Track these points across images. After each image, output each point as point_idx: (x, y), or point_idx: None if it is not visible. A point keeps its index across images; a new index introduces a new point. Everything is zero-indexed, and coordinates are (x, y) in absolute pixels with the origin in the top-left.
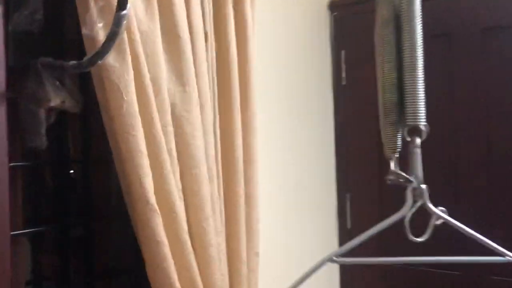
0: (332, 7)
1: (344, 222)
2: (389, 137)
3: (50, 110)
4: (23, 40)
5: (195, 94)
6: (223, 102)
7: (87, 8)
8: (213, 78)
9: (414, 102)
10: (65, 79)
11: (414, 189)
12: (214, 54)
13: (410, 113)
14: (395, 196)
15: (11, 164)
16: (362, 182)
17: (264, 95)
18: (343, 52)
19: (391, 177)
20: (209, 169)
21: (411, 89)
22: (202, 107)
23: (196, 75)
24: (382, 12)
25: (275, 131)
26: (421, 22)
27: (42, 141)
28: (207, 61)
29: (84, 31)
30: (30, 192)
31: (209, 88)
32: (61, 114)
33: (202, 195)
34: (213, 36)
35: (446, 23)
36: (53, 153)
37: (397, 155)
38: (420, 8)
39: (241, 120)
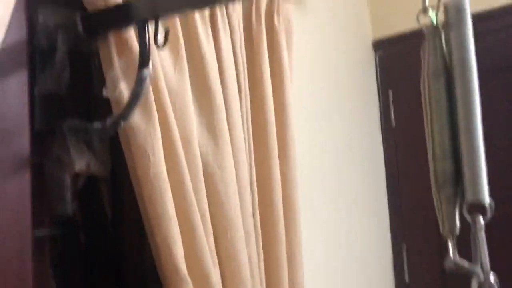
0: (376, 45)
1: (401, 276)
2: (445, 215)
3: (77, 175)
4: (49, 102)
5: (228, 148)
6: (259, 154)
7: (112, 68)
8: (248, 129)
9: (473, 173)
10: (93, 141)
11: (480, 284)
12: (248, 105)
13: (469, 186)
14: None
15: (36, 235)
16: (418, 231)
17: (305, 143)
18: (390, 92)
19: (449, 265)
20: (246, 230)
21: (469, 157)
22: (236, 161)
23: (229, 127)
24: (430, 61)
25: (318, 182)
26: (477, 74)
27: (67, 208)
28: (241, 111)
29: (110, 91)
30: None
31: (244, 141)
32: (91, 178)
33: (239, 259)
34: (247, 86)
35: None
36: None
37: (457, 235)
38: (475, 57)
39: (280, 172)
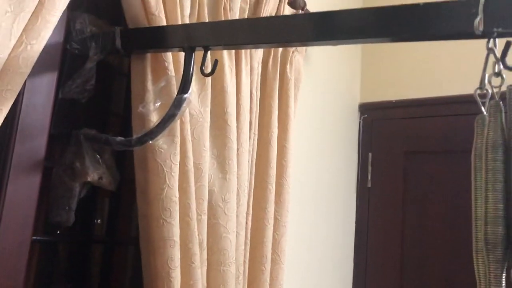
0: (362, 109)
1: None
2: (492, 276)
3: (84, 184)
4: (69, 107)
5: (234, 183)
6: (257, 195)
7: (144, 87)
8: (251, 168)
9: None
10: (104, 154)
11: None
12: (256, 144)
13: None
14: None
15: (34, 237)
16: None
17: (293, 189)
18: (370, 155)
19: None
20: (237, 267)
21: None
22: (238, 197)
23: (238, 163)
24: (489, 135)
25: (293, 232)
26: None
27: (70, 217)
28: (249, 150)
29: (140, 109)
30: (45, 269)
31: (247, 179)
32: (93, 189)
33: None
34: (257, 126)
35: None
36: (76, 229)
37: None
38: None
39: (273, 216)
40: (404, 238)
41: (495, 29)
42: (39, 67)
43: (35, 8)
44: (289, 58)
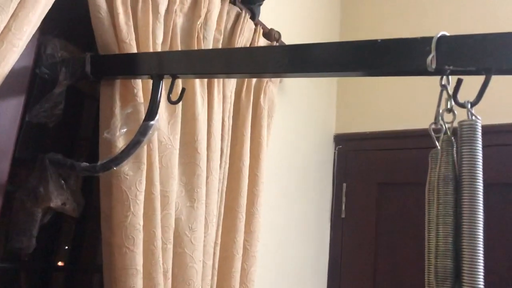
0: (337, 139)
1: None
2: None
3: (47, 210)
4: (35, 132)
5: (202, 212)
6: (227, 223)
7: (112, 112)
8: (221, 197)
9: (472, 272)
10: (70, 180)
11: None
12: (226, 172)
13: (467, 285)
14: None
15: None
16: None
17: (265, 220)
18: (344, 185)
19: None
20: None
21: (470, 258)
22: (206, 226)
23: (207, 192)
24: (441, 167)
25: (270, 259)
26: (482, 184)
27: (30, 243)
28: (219, 179)
29: (105, 134)
30: None
31: (217, 207)
32: (56, 215)
33: None
34: (228, 155)
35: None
36: (36, 255)
37: None
38: (481, 168)
39: (243, 246)
40: (377, 266)
41: (446, 67)
42: (6, 90)
43: (1, 32)
44: (263, 88)
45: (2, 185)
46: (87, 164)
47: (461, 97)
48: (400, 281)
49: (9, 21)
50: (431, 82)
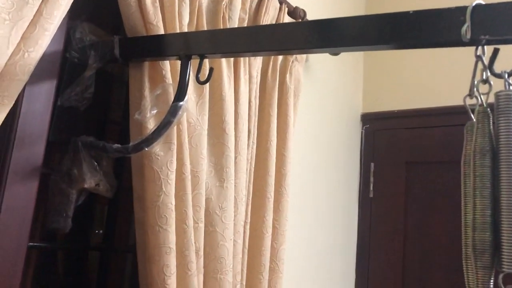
0: (364, 119)
1: None
2: (480, 282)
3: (81, 191)
4: (68, 115)
5: (231, 191)
6: (256, 203)
7: (141, 94)
8: (250, 176)
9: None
10: (102, 161)
11: None
12: (254, 152)
13: (506, 258)
14: None
15: (30, 244)
16: None
17: (293, 198)
18: (372, 164)
19: None
20: (234, 276)
21: (509, 231)
22: (236, 205)
23: (235, 171)
24: (477, 140)
25: (297, 239)
26: None
27: (67, 224)
28: (247, 159)
29: (136, 116)
30: (42, 275)
31: (245, 187)
32: (89, 197)
33: None
34: (256, 135)
35: None
36: (73, 236)
37: None
38: None
39: (272, 225)
40: (406, 248)
41: (482, 37)
42: (38, 75)
43: (33, 16)
44: (289, 68)
45: (37, 168)
46: (119, 145)
47: (496, 68)
48: (430, 259)
49: (40, 5)
50: (460, 57)
